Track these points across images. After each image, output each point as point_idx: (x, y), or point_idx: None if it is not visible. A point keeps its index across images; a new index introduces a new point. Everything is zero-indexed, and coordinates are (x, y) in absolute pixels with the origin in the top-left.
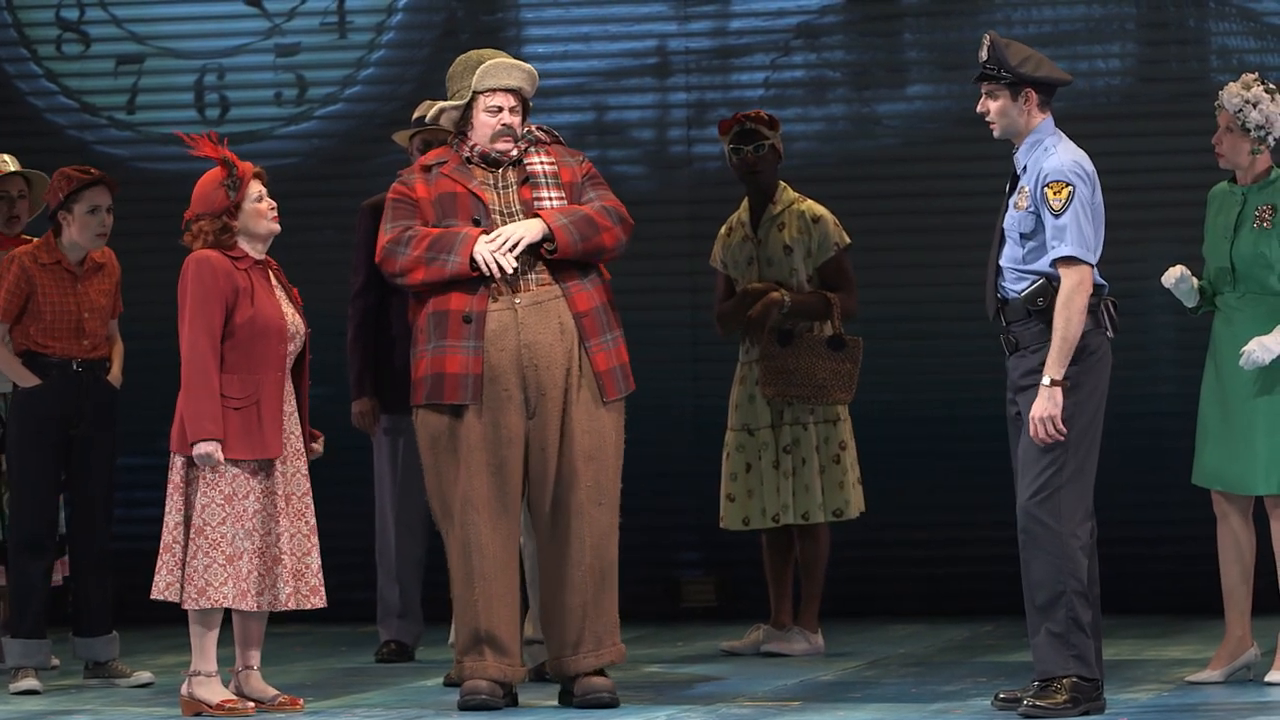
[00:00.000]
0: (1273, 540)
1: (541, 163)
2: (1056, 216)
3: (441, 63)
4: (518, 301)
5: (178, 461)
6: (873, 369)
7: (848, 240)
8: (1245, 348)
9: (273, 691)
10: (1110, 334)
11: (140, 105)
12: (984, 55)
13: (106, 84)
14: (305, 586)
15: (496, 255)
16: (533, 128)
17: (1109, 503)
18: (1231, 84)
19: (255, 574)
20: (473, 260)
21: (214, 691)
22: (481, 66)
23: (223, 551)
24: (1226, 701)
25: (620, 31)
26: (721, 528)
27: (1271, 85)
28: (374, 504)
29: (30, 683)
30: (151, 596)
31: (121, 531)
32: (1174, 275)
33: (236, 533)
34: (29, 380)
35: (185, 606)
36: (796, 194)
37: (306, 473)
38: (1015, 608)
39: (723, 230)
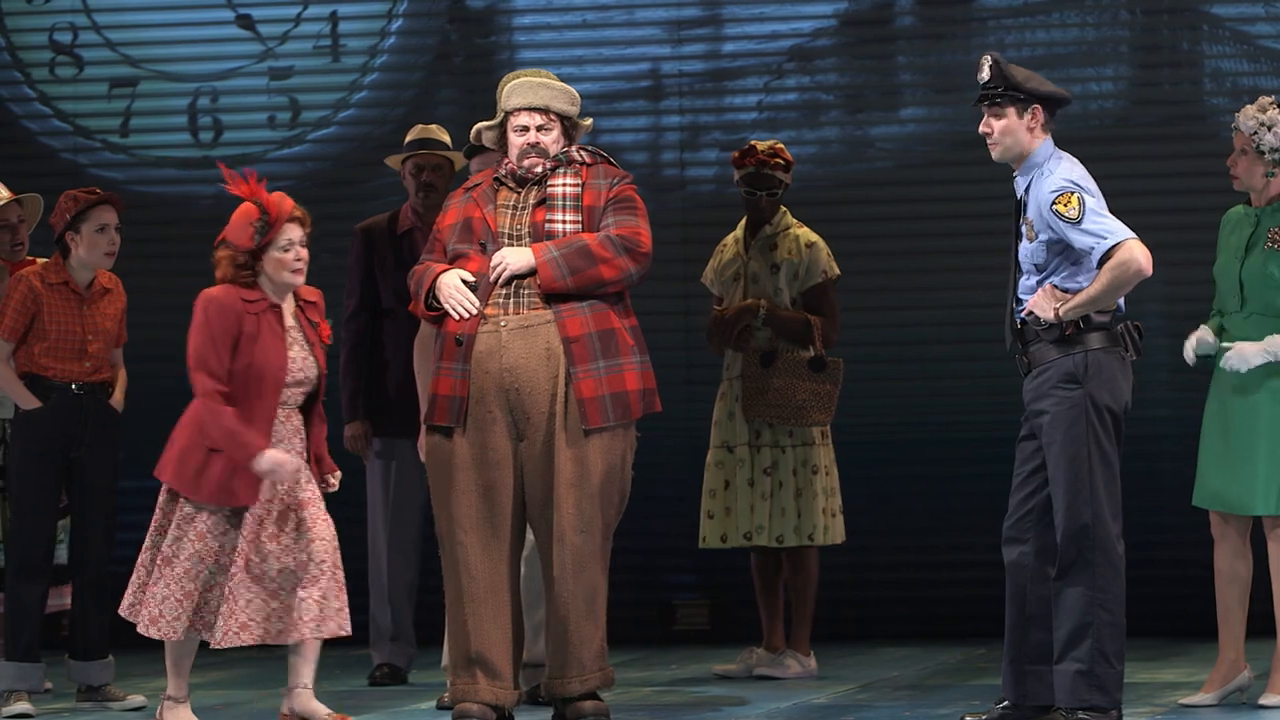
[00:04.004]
0: (1270, 563)
1: (564, 184)
2: (1078, 224)
3: (435, 86)
4: (503, 324)
5: (165, 489)
6: (864, 392)
7: (837, 272)
8: (1228, 352)
9: (324, 711)
10: (1132, 356)
11: (134, 128)
12: (985, 75)
13: (100, 107)
14: (272, 626)
15: (457, 299)
16: (574, 149)
17: None
18: (1248, 106)
19: (216, 606)
20: (433, 297)
21: (178, 716)
22: (509, 85)
23: (183, 587)
24: None
25: (614, 54)
26: (701, 547)
27: None
28: (366, 527)
29: (23, 706)
30: (118, 611)
31: (118, 555)
32: (1191, 347)
33: (205, 569)
34: (30, 402)
35: (141, 632)
36: (795, 220)
37: (312, 511)
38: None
39: (718, 247)
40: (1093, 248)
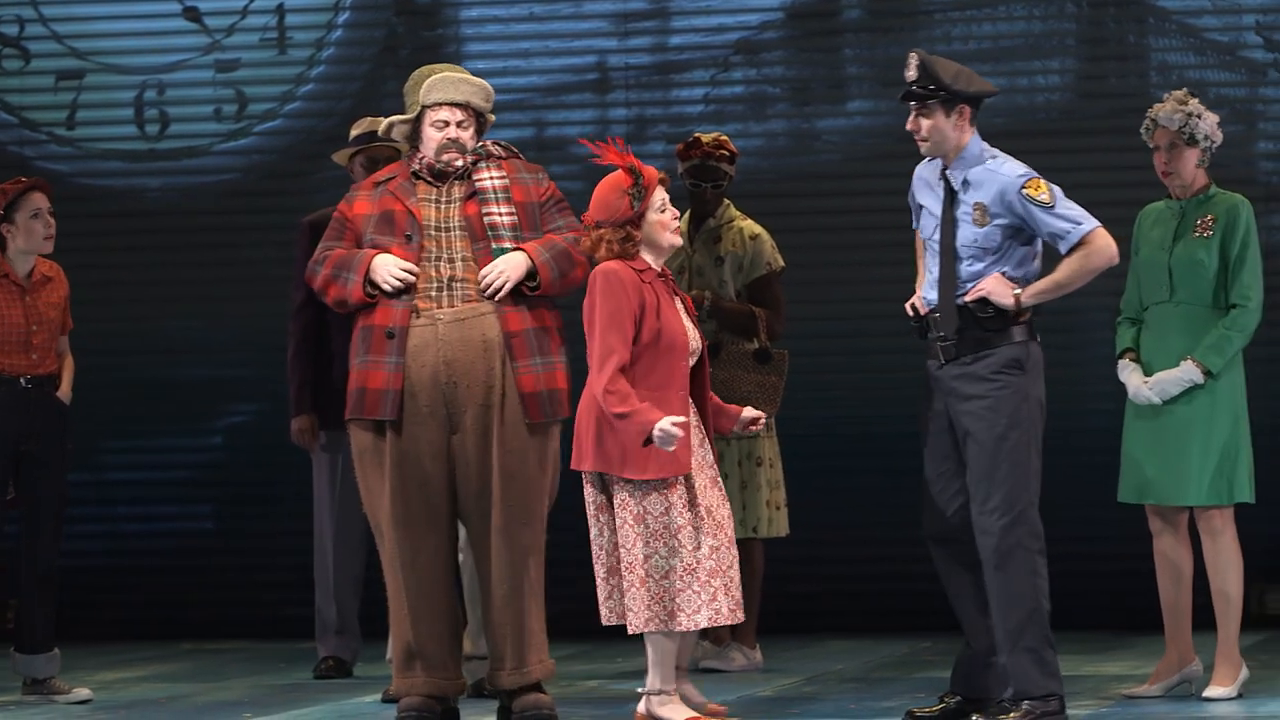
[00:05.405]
0: (1204, 555)
1: (492, 178)
2: (1050, 209)
3: (381, 79)
4: (440, 318)
5: (595, 481)
6: (810, 385)
7: (781, 264)
8: (1149, 381)
9: (700, 697)
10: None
11: (80, 121)
12: (913, 74)
13: (47, 99)
14: (731, 601)
15: (393, 272)
16: (488, 143)
17: (1049, 519)
18: (1161, 105)
19: (686, 593)
20: (371, 282)
21: (678, 710)
22: (428, 80)
23: (637, 573)
24: (1165, 716)
25: (560, 47)
26: None
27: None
28: (311, 520)
29: None
30: (605, 623)
31: (66, 548)
32: (1134, 386)
33: (655, 551)
34: None
35: (631, 631)
36: (739, 212)
37: (718, 485)
38: (953, 624)
39: None
40: (1067, 232)
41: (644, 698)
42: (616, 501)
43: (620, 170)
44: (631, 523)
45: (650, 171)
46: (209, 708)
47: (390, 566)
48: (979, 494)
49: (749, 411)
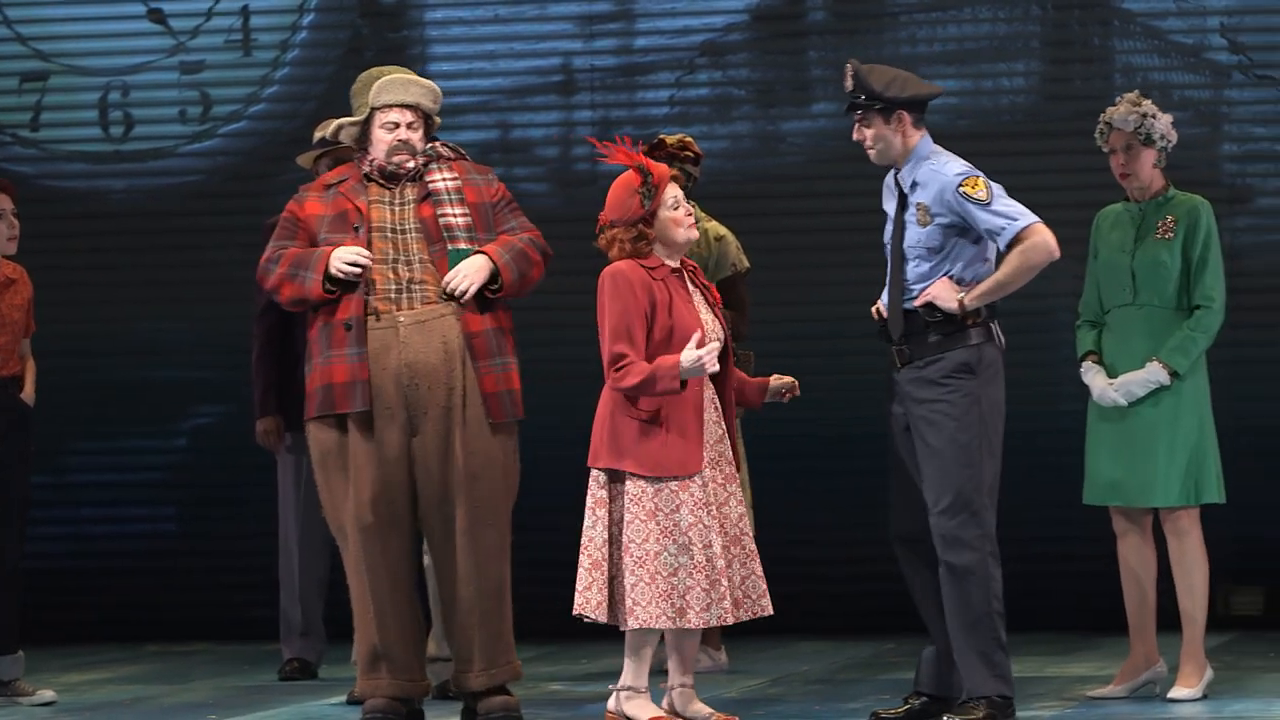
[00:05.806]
0: (1170, 556)
1: (444, 179)
2: (986, 206)
3: (346, 80)
4: (400, 320)
5: (601, 477)
6: None
7: (746, 265)
8: (1114, 383)
9: (707, 710)
10: (1001, 349)
11: (44, 123)
12: (849, 85)
13: (10, 101)
14: (744, 596)
15: (346, 258)
16: (437, 144)
17: (1014, 519)
18: (1115, 108)
19: (696, 590)
20: (330, 277)
21: (645, 708)
22: (378, 82)
23: (647, 569)
24: (1129, 716)
25: (525, 49)
26: None
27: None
28: (276, 522)
29: None
30: (575, 613)
31: (30, 550)
32: (1099, 388)
33: (664, 549)
34: None
35: (622, 629)
36: (704, 214)
37: (735, 479)
38: (918, 625)
39: None
40: (1003, 228)
41: (615, 694)
42: (629, 497)
43: (630, 170)
44: (644, 518)
45: (661, 169)
46: (174, 709)
47: (354, 569)
48: (931, 496)
49: (777, 379)
